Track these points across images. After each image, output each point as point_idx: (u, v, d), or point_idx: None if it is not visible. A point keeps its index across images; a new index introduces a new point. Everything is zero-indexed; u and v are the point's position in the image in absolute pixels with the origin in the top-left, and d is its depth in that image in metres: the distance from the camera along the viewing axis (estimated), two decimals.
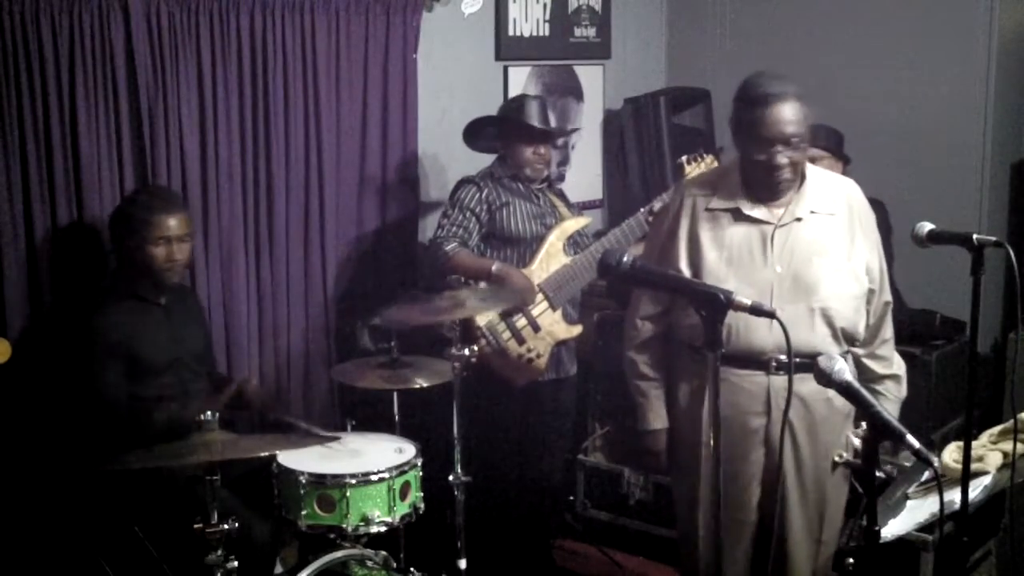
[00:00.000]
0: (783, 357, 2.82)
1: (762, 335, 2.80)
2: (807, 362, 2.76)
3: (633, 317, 3.10)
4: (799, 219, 2.86)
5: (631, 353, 3.10)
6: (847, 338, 2.88)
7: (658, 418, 3.07)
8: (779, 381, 2.84)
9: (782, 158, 2.78)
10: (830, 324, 2.83)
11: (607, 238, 3.87)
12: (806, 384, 2.79)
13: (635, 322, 3.09)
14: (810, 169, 2.93)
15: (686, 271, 2.89)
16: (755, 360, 2.82)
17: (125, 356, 3.23)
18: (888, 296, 2.99)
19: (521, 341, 3.81)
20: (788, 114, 2.76)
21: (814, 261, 2.83)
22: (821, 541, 2.96)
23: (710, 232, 2.90)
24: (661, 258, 2.95)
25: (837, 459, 2.90)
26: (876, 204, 4.21)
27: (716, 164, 3.90)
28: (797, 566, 2.94)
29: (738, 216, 2.89)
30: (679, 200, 3.00)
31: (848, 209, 2.91)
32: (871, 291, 2.93)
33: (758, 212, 2.87)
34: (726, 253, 2.86)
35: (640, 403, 3.10)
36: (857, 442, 2.91)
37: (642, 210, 3.83)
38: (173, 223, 3.26)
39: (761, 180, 2.84)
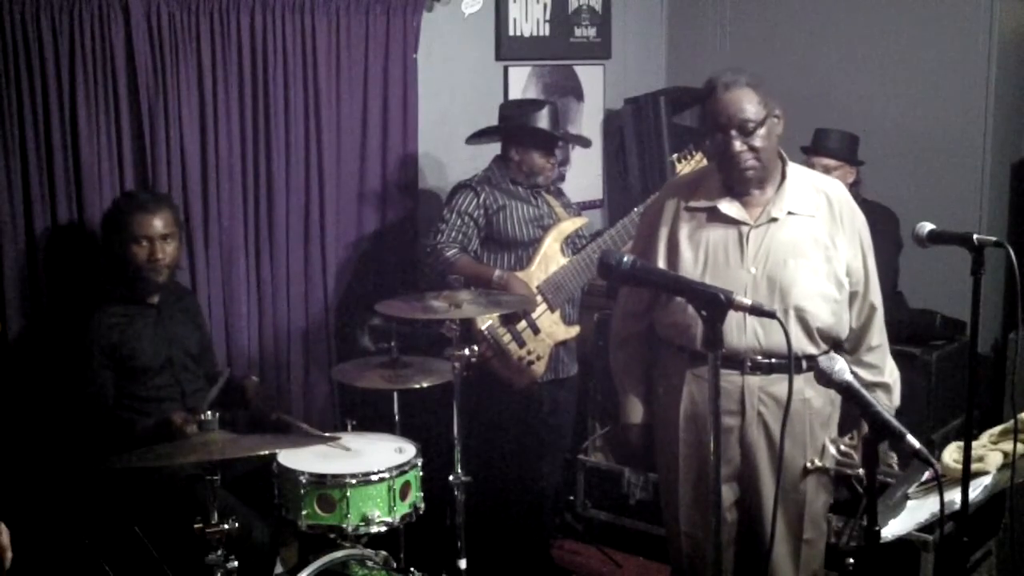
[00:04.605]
0: (759, 357, 2.83)
1: (736, 335, 2.80)
2: (782, 363, 2.79)
3: (617, 312, 3.13)
4: (775, 219, 2.85)
5: (613, 348, 3.15)
6: (825, 340, 2.87)
7: (634, 413, 3.09)
8: (754, 381, 2.85)
9: (737, 144, 2.78)
10: (804, 326, 2.82)
11: (603, 239, 3.87)
12: (780, 384, 2.81)
13: (618, 317, 3.13)
14: (793, 169, 2.92)
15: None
16: (729, 359, 2.80)
17: (116, 357, 3.24)
18: (875, 300, 2.94)
19: (521, 344, 3.81)
20: (739, 100, 2.78)
21: (789, 263, 2.82)
22: (804, 540, 2.95)
23: (688, 231, 2.91)
24: (644, 254, 2.96)
25: (809, 465, 2.90)
26: (888, 214, 4.24)
27: (704, 160, 3.92)
28: (779, 565, 2.94)
29: (715, 216, 2.89)
30: (662, 198, 3.02)
31: (829, 210, 2.89)
32: (854, 293, 2.91)
33: (735, 212, 2.87)
34: (702, 253, 2.87)
35: (620, 397, 3.13)
36: (834, 450, 2.92)
37: (636, 209, 3.83)
38: (154, 222, 3.26)
39: (728, 171, 2.85)
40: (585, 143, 4.42)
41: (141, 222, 3.25)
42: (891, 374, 3.02)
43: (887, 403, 2.98)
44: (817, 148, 4.19)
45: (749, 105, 2.78)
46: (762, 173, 2.85)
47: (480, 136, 4.03)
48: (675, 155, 3.98)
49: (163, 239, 3.27)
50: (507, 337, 3.79)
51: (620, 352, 3.12)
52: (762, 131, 2.80)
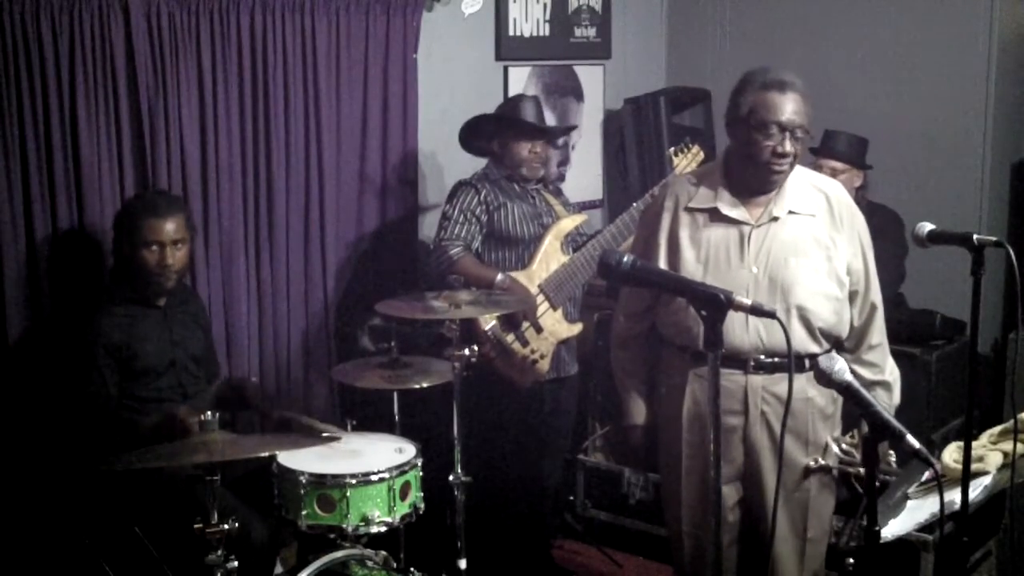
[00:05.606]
0: (762, 357, 2.83)
1: (739, 335, 2.80)
2: (784, 362, 2.78)
3: (618, 313, 3.13)
4: (776, 219, 2.86)
5: (614, 348, 3.15)
6: (827, 338, 2.87)
7: (636, 413, 3.09)
8: (757, 380, 2.85)
9: (789, 145, 2.77)
10: (807, 325, 2.83)
11: (603, 235, 3.87)
12: (783, 383, 2.81)
13: (619, 318, 3.12)
14: (793, 169, 2.92)
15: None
16: (733, 359, 2.80)
17: (121, 358, 3.23)
18: (875, 298, 2.95)
19: (525, 343, 3.81)
20: (797, 103, 2.77)
21: (790, 261, 2.82)
22: (807, 539, 2.95)
23: (688, 231, 2.90)
24: (644, 255, 2.96)
25: (812, 464, 2.90)
26: (893, 218, 4.24)
27: (701, 154, 3.92)
28: (783, 563, 2.94)
29: (716, 216, 2.89)
30: (661, 199, 3.02)
31: (829, 210, 2.89)
32: (854, 292, 2.91)
33: (736, 212, 2.87)
34: (703, 253, 2.87)
35: (622, 398, 3.13)
36: (837, 449, 2.92)
37: (635, 204, 3.83)
38: (166, 227, 3.23)
39: (756, 171, 2.83)
40: (567, 130, 4.43)
41: (152, 226, 3.22)
42: (891, 372, 3.03)
43: (887, 401, 2.99)
44: (825, 150, 4.19)
45: (804, 111, 2.78)
46: (784, 178, 2.86)
47: (470, 136, 4.02)
48: (672, 148, 3.99)
49: (174, 244, 3.25)
50: (510, 337, 3.79)
51: (621, 352, 3.13)
52: (803, 138, 2.81)
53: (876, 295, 2.96)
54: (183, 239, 3.29)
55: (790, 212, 2.87)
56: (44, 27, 3.27)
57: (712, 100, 5.08)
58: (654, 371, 3.07)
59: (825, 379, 2.13)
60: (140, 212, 3.25)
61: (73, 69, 3.35)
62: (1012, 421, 2.66)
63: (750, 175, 2.86)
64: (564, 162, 5.02)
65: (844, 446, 2.95)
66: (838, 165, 4.14)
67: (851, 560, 3.23)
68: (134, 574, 3.07)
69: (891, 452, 3.37)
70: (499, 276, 3.76)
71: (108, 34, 3.40)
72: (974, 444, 2.65)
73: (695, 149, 3.95)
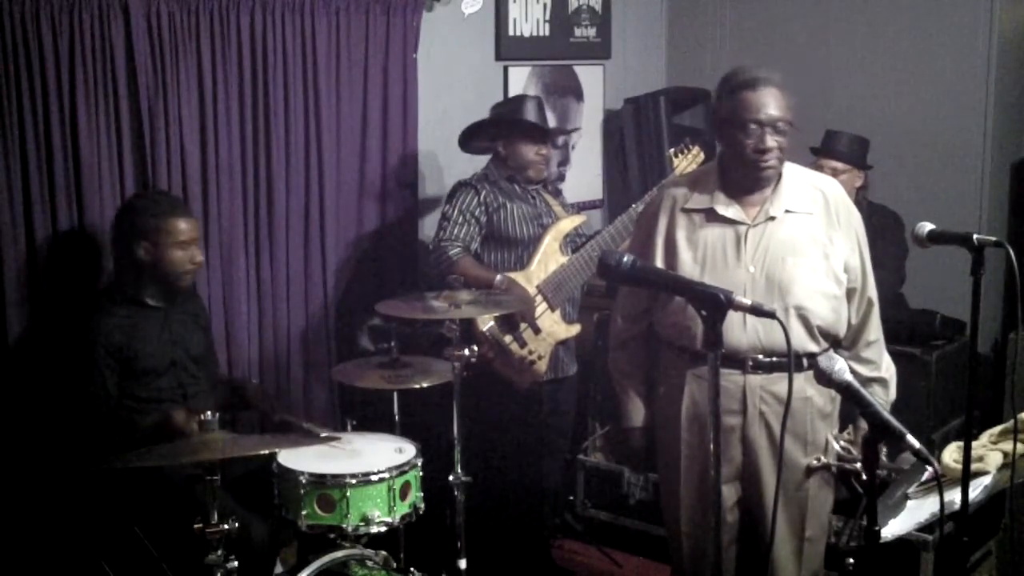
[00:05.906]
0: (760, 356, 2.83)
1: (737, 334, 2.79)
2: (783, 361, 2.78)
3: (615, 315, 3.13)
4: (772, 218, 2.86)
5: (613, 350, 3.15)
6: (825, 337, 2.87)
7: (635, 415, 3.09)
8: (755, 380, 2.84)
9: (771, 140, 2.77)
10: (805, 323, 2.83)
11: (601, 237, 3.87)
12: (782, 383, 2.81)
13: (617, 320, 3.12)
14: (788, 167, 2.92)
15: None
16: (731, 359, 2.80)
17: (122, 358, 3.22)
18: (872, 294, 2.96)
19: (523, 344, 3.81)
20: (777, 98, 2.78)
21: (788, 260, 2.82)
22: (806, 538, 2.95)
23: (685, 232, 2.90)
24: (641, 258, 2.95)
25: (815, 462, 2.90)
26: (894, 218, 4.25)
27: (702, 155, 3.92)
28: (782, 563, 2.94)
29: (712, 217, 2.89)
30: (658, 201, 3.02)
31: (826, 208, 2.89)
32: (852, 290, 2.91)
33: (732, 212, 2.87)
34: (700, 254, 2.87)
35: (620, 400, 3.13)
36: (838, 446, 2.93)
37: (634, 206, 3.84)
38: (187, 226, 3.26)
39: (746, 170, 2.83)
40: (569, 132, 4.41)
41: (177, 228, 3.23)
42: (887, 369, 3.03)
43: (884, 397, 2.99)
44: (826, 150, 4.20)
45: (783, 104, 2.79)
46: (776, 173, 2.86)
47: (471, 138, 4.02)
48: (672, 149, 3.99)
49: (195, 243, 3.29)
50: (508, 338, 3.79)
51: (620, 354, 3.13)
52: (786, 131, 2.81)
53: (872, 292, 2.97)
54: (198, 237, 3.34)
55: (787, 211, 2.87)
56: (44, 27, 3.27)
57: (712, 100, 5.08)
58: (653, 372, 3.07)
59: (825, 379, 2.13)
60: (159, 213, 3.24)
61: (73, 69, 3.35)
62: (1012, 421, 2.66)
63: (742, 175, 2.86)
64: (564, 162, 5.03)
65: (842, 443, 2.95)
66: (839, 165, 4.14)
67: (851, 560, 3.23)
68: (134, 574, 3.07)
69: (882, 446, 3.38)
70: (497, 277, 3.76)
71: (108, 34, 3.40)
72: (974, 444, 2.66)
73: (695, 150, 3.95)
